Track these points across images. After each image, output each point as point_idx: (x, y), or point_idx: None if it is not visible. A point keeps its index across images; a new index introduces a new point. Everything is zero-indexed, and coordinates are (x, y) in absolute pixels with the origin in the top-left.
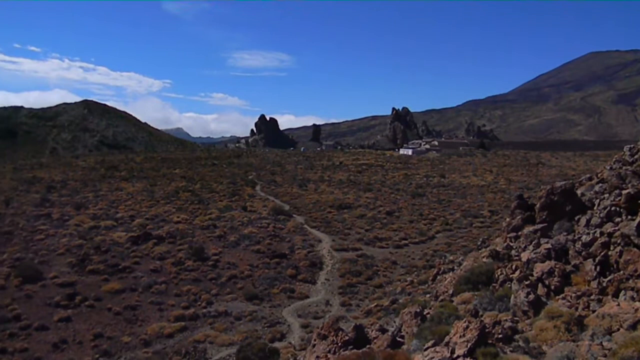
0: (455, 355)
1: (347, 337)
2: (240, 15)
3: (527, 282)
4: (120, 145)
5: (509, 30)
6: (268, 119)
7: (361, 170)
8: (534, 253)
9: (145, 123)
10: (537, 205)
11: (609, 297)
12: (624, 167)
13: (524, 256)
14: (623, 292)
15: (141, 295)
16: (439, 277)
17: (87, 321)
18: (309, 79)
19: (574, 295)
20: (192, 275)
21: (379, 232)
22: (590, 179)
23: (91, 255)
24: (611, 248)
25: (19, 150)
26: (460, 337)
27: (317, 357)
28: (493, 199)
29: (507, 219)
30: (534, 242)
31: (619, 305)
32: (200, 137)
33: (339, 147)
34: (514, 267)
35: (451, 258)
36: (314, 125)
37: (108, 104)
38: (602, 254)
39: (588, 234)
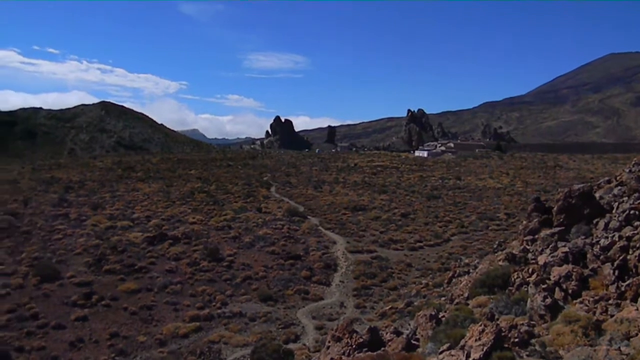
0: (470, 359)
1: (361, 340)
2: (256, 17)
3: (544, 286)
4: (137, 146)
5: (525, 32)
6: (283, 120)
7: (376, 172)
8: (551, 256)
9: (162, 124)
10: (555, 208)
11: (628, 301)
12: None
13: (541, 259)
14: None
15: (157, 295)
16: (454, 280)
17: (104, 320)
18: (324, 80)
19: (591, 299)
20: (207, 275)
21: (393, 234)
22: (608, 182)
23: (108, 255)
24: (630, 252)
25: (38, 151)
26: (476, 340)
27: (332, 359)
28: (509, 202)
29: (524, 222)
30: (551, 246)
31: (637, 310)
32: (215, 139)
33: (354, 149)
34: (530, 270)
35: (467, 261)
36: (329, 126)
37: (125, 105)
38: (621, 258)
39: (606, 237)
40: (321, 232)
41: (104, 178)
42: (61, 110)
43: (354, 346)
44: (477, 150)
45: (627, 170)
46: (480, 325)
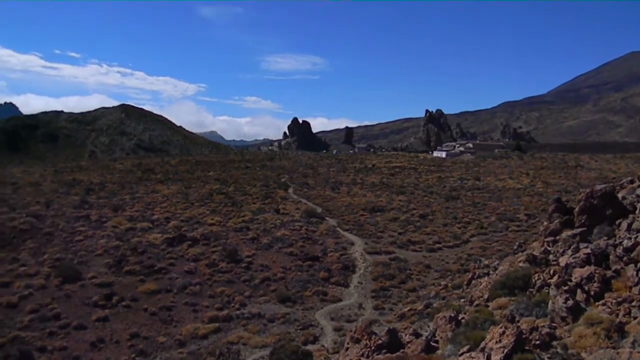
0: None
1: (380, 341)
2: (273, 19)
3: (565, 288)
4: (156, 148)
5: (545, 31)
6: (301, 121)
7: (394, 173)
8: (573, 258)
9: (180, 126)
10: (576, 209)
11: None
12: None
13: (563, 261)
14: None
15: (176, 296)
16: (473, 281)
17: (124, 321)
18: (342, 81)
19: (614, 301)
20: (226, 277)
21: (412, 235)
22: (631, 181)
23: (128, 256)
24: None
25: (60, 153)
26: (496, 342)
27: None
28: (530, 203)
29: (545, 223)
30: (572, 247)
31: None
32: (233, 140)
33: (372, 150)
34: (551, 272)
35: (486, 262)
36: (347, 127)
37: (144, 108)
38: None
39: (629, 238)
40: (339, 233)
41: (124, 180)
42: (82, 113)
43: (372, 348)
44: (496, 150)
45: None
46: (501, 327)
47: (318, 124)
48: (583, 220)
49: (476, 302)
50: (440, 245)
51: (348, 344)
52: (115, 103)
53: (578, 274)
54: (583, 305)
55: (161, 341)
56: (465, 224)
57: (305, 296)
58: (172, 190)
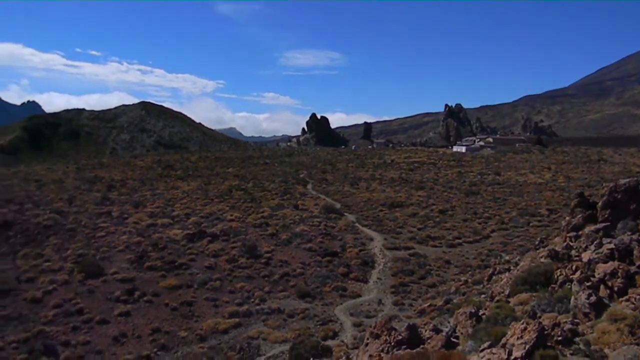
0: (512, 357)
1: (400, 337)
2: (291, 15)
3: (588, 284)
4: (176, 145)
5: (568, 23)
6: (319, 117)
7: (413, 168)
8: (596, 253)
9: (200, 123)
10: (599, 204)
11: None
12: None
13: (585, 256)
14: None
15: (197, 291)
16: (494, 277)
17: (146, 316)
18: (360, 77)
19: (638, 297)
20: (246, 272)
21: (431, 230)
22: None
23: (149, 252)
24: None
25: (82, 151)
26: (518, 338)
27: (370, 356)
28: (551, 197)
29: (567, 218)
30: (595, 242)
31: None
32: (252, 137)
33: (391, 145)
34: (574, 267)
35: (507, 258)
36: (365, 123)
37: (164, 105)
38: None
39: None
40: (358, 229)
41: (145, 177)
42: (103, 111)
43: (392, 343)
44: (517, 144)
45: None
46: (523, 323)
47: (336, 120)
48: (606, 215)
49: (497, 298)
50: (460, 241)
51: (368, 339)
52: (136, 100)
53: (601, 269)
54: (606, 301)
55: (182, 336)
56: (486, 219)
57: (325, 292)
58: (191, 187)
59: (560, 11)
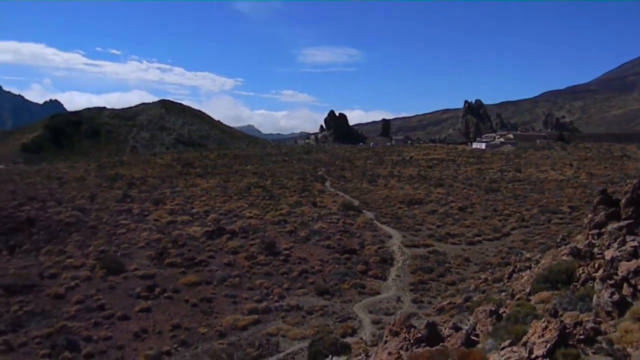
0: (533, 356)
1: (419, 334)
2: (309, 12)
3: (611, 282)
4: (195, 142)
5: (590, 17)
6: (337, 114)
7: (432, 165)
8: (619, 251)
9: (218, 121)
10: (623, 201)
11: None
12: None
13: (608, 254)
14: None
15: (216, 288)
16: (514, 275)
17: (166, 312)
18: (378, 73)
19: None
20: (264, 269)
21: (451, 228)
22: None
23: (169, 248)
24: None
25: (103, 149)
26: (539, 337)
27: (389, 353)
28: (573, 194)
29: (589, 215)
30: (619, 240)
31: None
32: (270, 134)
33: (409, 142)
34: (596, 265)
35: (528, 255)
36: (384, 120)
37: (183, 103)
38: None
39: None
40: (376, 226)
41: (164, 174)
42: (123, 109)
43: (411, 341)
44: (538, 141)
45: None
46: (544, 322)
47: (355, 117)
48: (630, 213)
49: (517, 296)
50: (480, 238)
51: (387, 336)
52: (155, 99)
53: (624, 267)
54: (629, 300)
55: (202, 332)
56: (506, 216)
57: (343, 289)
58: (211, 184)
59: (582, 6)
